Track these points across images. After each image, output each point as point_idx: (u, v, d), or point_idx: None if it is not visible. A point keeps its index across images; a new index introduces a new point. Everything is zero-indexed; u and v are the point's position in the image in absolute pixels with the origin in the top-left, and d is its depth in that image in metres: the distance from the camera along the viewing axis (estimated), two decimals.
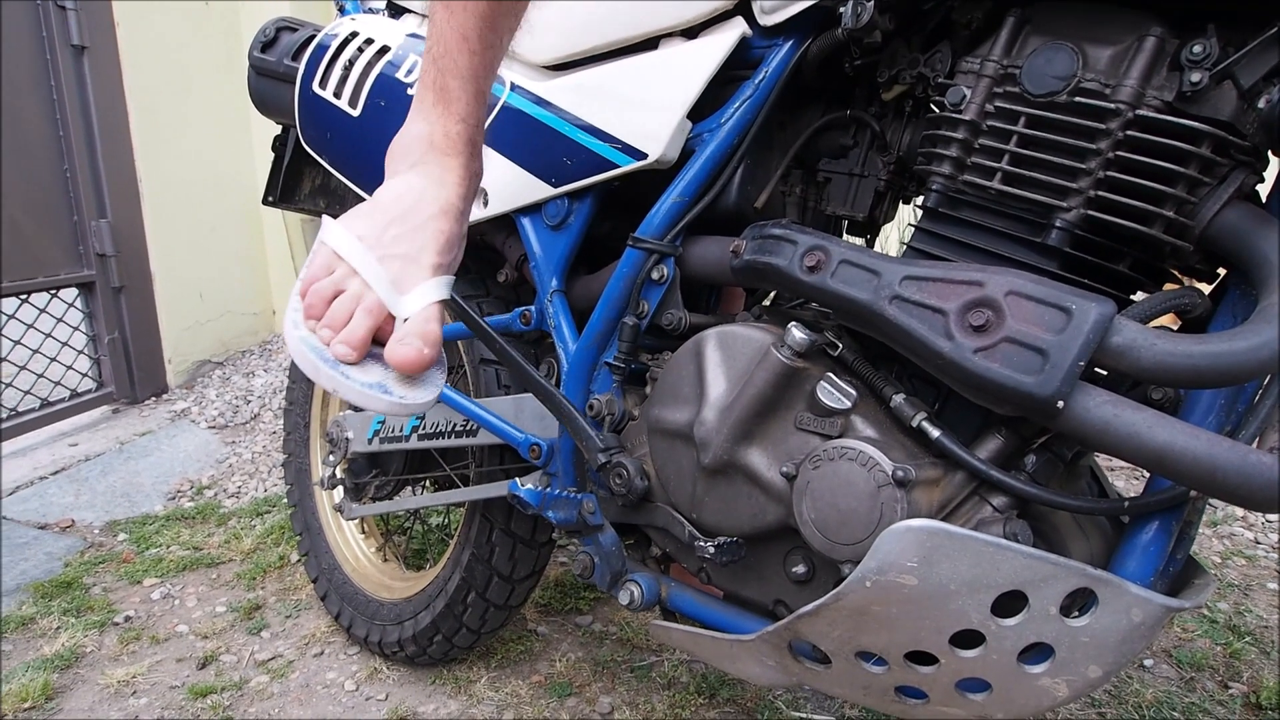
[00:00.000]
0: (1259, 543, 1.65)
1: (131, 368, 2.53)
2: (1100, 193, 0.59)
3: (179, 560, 1.67)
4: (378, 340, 0.69)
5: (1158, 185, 0.58)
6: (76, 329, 2.39)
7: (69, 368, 2.35)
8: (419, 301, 0.69)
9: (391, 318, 0.69)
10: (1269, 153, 0.60)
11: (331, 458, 1.27)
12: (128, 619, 1.46)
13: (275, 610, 1.48)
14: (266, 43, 1.24)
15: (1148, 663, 1.26)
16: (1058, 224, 0.61)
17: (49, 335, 2.28)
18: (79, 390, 2.38)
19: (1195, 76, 0.57)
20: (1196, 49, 0.57)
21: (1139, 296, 0.66)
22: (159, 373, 2.65)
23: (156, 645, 1.38)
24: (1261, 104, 0.56)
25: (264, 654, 1.34)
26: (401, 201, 0.71)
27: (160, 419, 2.43)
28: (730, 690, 1.20)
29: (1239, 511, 1.76)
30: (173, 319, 2.67)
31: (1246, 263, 0.57)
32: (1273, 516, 1.74)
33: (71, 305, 2.37)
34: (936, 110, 0.68)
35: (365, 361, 0.67)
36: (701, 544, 0.71)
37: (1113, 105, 0.59)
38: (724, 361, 0.71)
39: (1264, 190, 0.63)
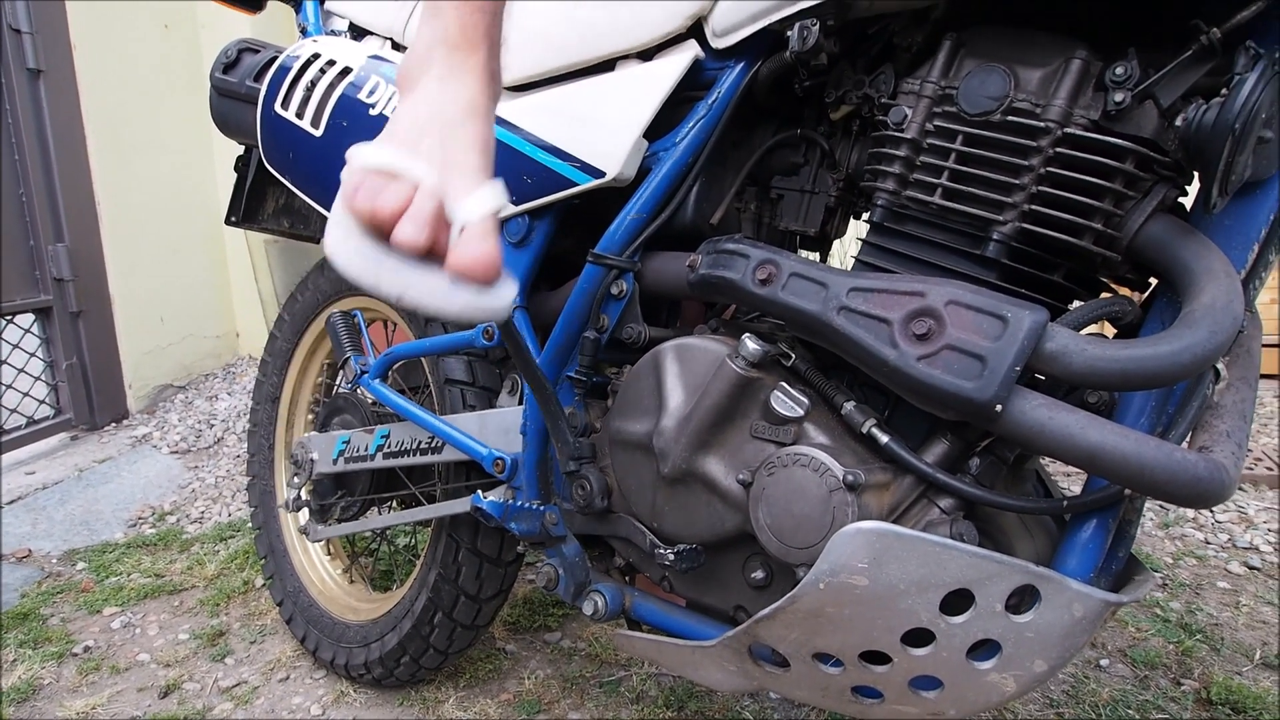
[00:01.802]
0: (1209, 543, 1.71)
1: (90, 393, 2.49)
2: (1033, 207, 0.62)
3: (140, 588, 1.63)
4: (434, 254, 0.61)
5: (1086, 199, 0.61)
6: (33, 355, 2.35)
7: (25, 394, 2.30)
8: (478, 208, 0.61)
9: (448, 229, 0.61)
10: (1190, 168, 0.64)
11: (296, 479, 1.26)
12: (87, 649, 1.43)
13: (239, 636, 1.46)
14: (228, 64, 1.24)
15: (1103, 662, 1.29)
16: (995, 237, 0.64)
17: (4, 362, 2.23)
18: (36, 417, 2.33)
19: (1118, 96, 0.61)
20: (1119, 70, 0.60)
21: (1077, 305, 0.69)
22: (119, 398, 2.61)
23: (117, 675, 1.35)
24: (1179, 122, 0.59)
25: (228, 681, 1.32)
26: (429, 108, 0.64)
27: (120, 445, 2.39)
28: (698, 703, 1.21)
29: (1189, 513, 1.81)
30: (133, 343, 2.63)
31: (1170, 272, 0.61)
32: (1222, 517, 1.79)
33: (28, 331, 2.33)
34: (881, 129, 0.71)
35: (423, 269, 0.59)
36: (662, 552, 0.73)
37: (1043, 124, 0.62)
38: (682, 373, 0.73)
39: (1188, 203, 0.67)
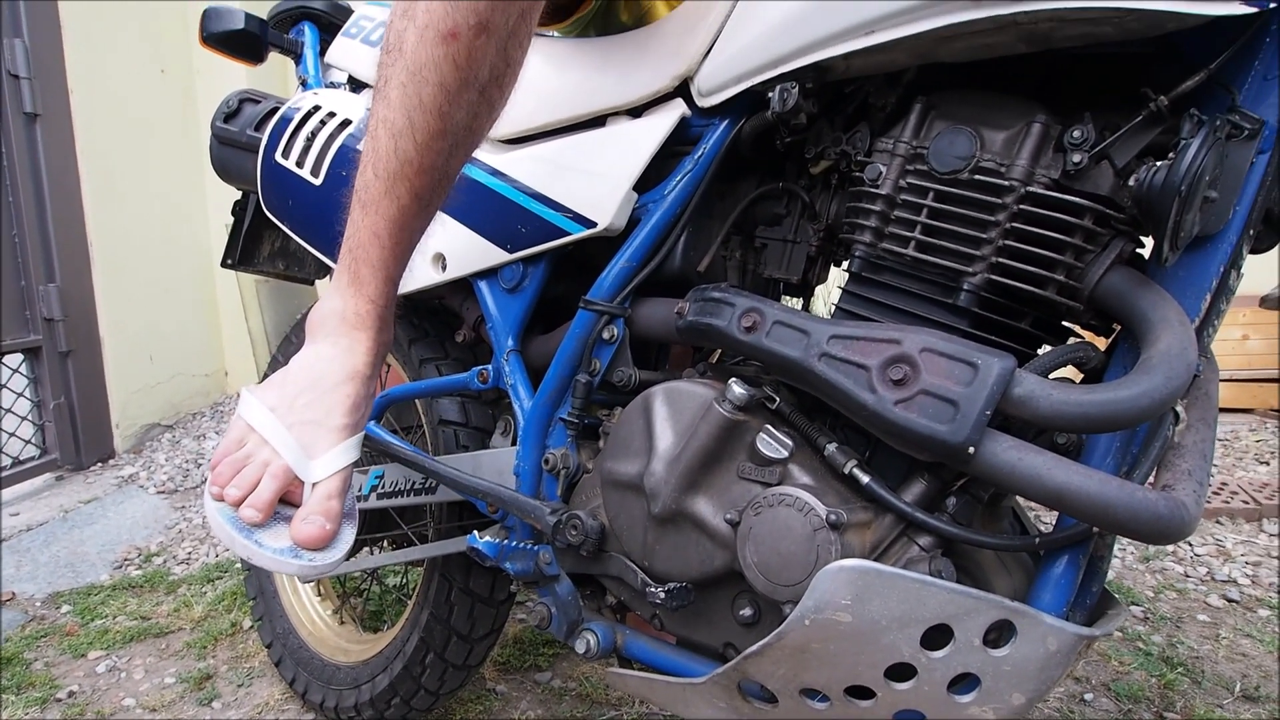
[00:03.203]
0: (1188, 576, 1.74)
1: (77, 433, 2.48)
2: (1000, 259, 0.66)
3: (126, 631, 1.62)
4: (291, 503, 0.75)
5: (1049, 253, 0.65)
6: (20, 395, 2.35)
7: (11, 434, 2.30)
8: (325, 469, 0.75)
9: (300, 481, 0.75)
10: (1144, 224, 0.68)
11: None
12: (71, 694, 1.42)
13: (227, 679, 1.45)
14: (230, 113, 1.28)
15: (1088, 696, 1.31)
16: (965, 287, 0.68)
17: None
18: (21, 458, 2.32)
19: (1076, 157, 0.65)
20: (1076, 133, 0.65)
21: (1045, 350, 0.73)
22: (106, 437, 2.60)
23: None
24: (1132, 181, 0.63)
25: None
26: (311, 371, 0.79)
27: (107, 485, 2.38)
28: None
29: (1169, 547, 1.84)
30: (121, 382, 2.64)
31: (1129, 321, 0.64)
32: (1200, 551, 1.82)
33: (16, 371, 2.33)
34: (858, 184, 0.75)
35: (277, 525, 0.73)
36: (653, 590, 0.75)
37: (1007, 183, 0.66)
38: (671, 416, 0.76)
39: (1147, 254, 0.71)
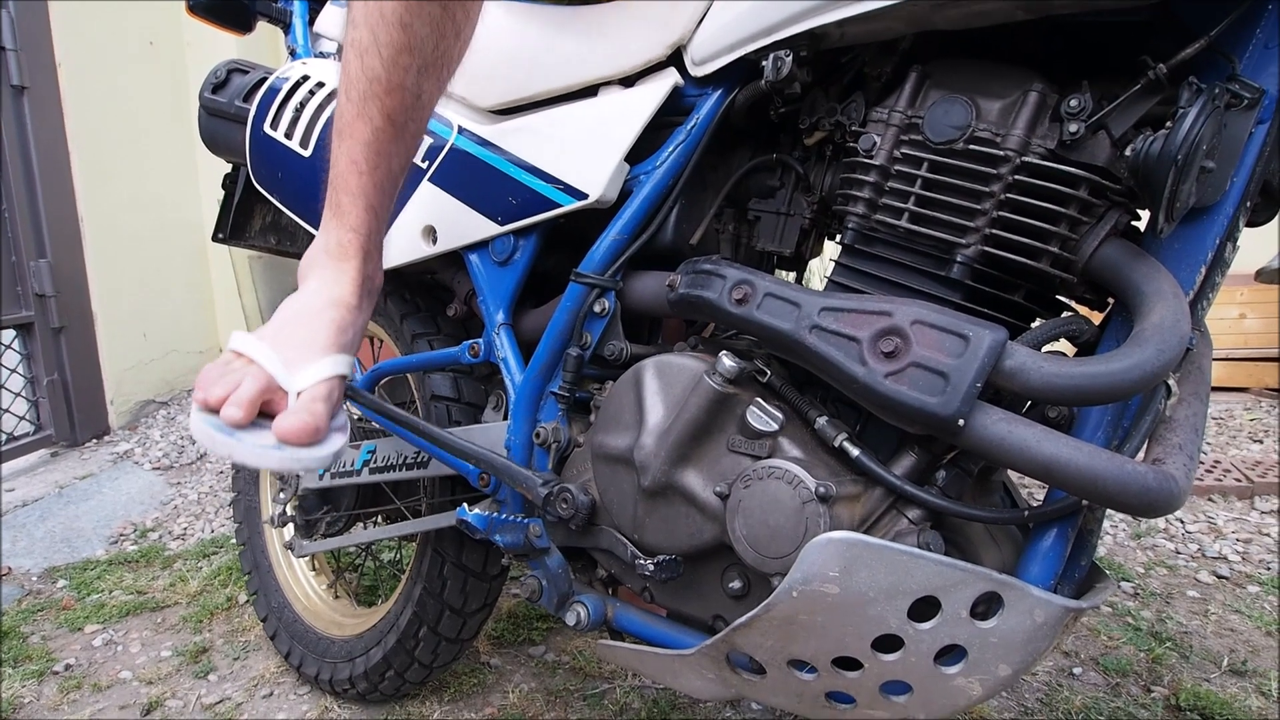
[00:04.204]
0: (1179, 553, 1.75)
1: (71, 409, 2.48)
2: (994, 231, 0.66)
3: (122, 605, 1.63)
4: (272, 415, 0.73)
5: (1043, 224, 0.64)
6: (14, 371, 2.34)
7: (5, 411, 2.29)
8: (312, 376, 0.73)
9: (284, 394, 0.73)
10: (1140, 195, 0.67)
11: (282, 494, 1.27)
12: (68, 667, 1.42)
13: (223, 652, 1.46)
14: (218, 84, 1.26)
15: (1076, 670, 1.32)
16: (959, 259, 0.67)
17: None
18: (16, 434, 2.32)
19: (1073, 127, 0.64)
20: (1073, 103, 0.64)
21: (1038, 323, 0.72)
22: (100, 414, 2.60)
23: (99, 693, 1.35)
24: (1129, 151, 0.62)
25: (211, 697, 1.32)
26: (297, 303, 0.78)
27: (102, 461, 2.38)
28: (681, 714, 1.22)
29: (1160, 524, 1.85)
30: (115, 359, 2.63)
31: (1123, 293, 0.64)
32: (1192, 528, 1.83)
33: (9, 347, 2.32)
34: (852, 155, 0.74)
35: (261, 432, 0.70)
36: (643, 563, 0.75)
37: (1002, 153, 0.65)
38: (661, 389, 0.75)
39: (1143, 227, 0.70)
